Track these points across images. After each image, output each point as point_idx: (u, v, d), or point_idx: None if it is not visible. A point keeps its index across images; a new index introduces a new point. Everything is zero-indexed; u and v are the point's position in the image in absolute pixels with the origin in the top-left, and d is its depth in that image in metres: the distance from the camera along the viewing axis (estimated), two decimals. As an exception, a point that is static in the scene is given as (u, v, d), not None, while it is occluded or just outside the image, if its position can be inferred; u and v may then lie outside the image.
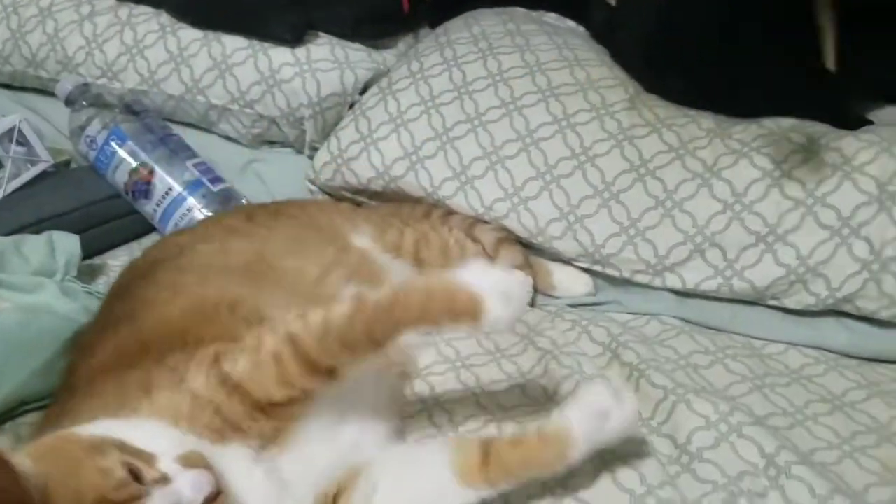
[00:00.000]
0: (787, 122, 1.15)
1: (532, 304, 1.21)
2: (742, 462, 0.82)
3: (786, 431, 0.87)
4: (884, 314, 1.01)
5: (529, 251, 1.23)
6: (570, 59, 1.29)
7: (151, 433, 0.69)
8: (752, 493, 0.79)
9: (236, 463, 0.71)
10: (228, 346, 0.75)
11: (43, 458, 0.64)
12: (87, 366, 0.85)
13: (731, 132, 1.14)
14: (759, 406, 0.91)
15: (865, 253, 1.01)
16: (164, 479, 0.64)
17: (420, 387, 1.01)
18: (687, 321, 1.10)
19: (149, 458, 0.65)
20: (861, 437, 0.86)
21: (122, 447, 0.65)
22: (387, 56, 1.44)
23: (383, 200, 1.31)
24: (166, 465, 0.65)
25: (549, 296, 1.22)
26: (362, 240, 1.13)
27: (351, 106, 1.37)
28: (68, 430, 0.69)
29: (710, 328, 1.09)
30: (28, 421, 0.93)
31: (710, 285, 1.09)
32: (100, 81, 1.44)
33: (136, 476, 0.63)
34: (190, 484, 0.63)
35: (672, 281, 1.11)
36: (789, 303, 1.06)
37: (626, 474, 0.81)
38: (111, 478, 0.61)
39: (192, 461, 0.66)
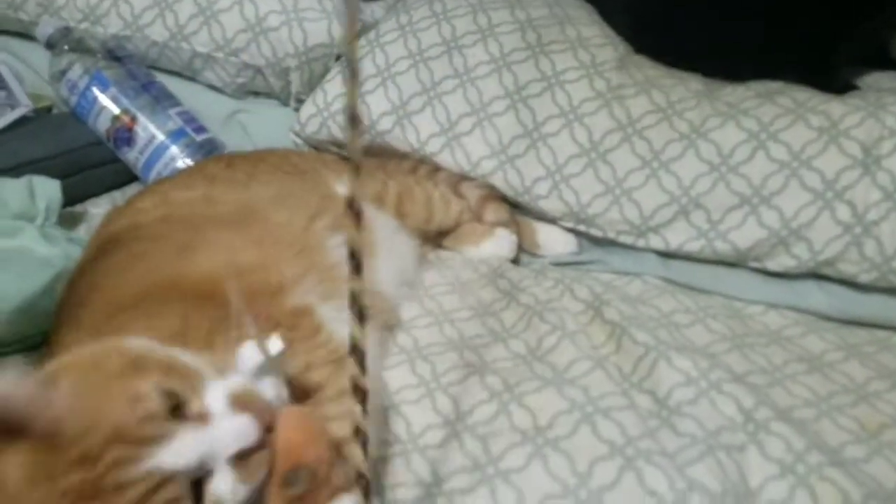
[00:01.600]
0: (774, 86, 1.15)
1: (516, 261, 1.21)
2: (721, 417, 0.83)
3: (765, 389, 0.88)
4: (864, 278, 1.02)
5: (514, 210, 1.23)
6: (560, 16, 1.28)
7: (205, 362, 0.62)
8: (731, 446, 0.80)
9: None
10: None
11: (71, 371, 0.57)
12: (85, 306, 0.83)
13: (720, 94, 1.14)
14: (739, 364, 0.92)
15: (848, 216, 1.01)
16: (202, 417, 0.56)
17: (403, 339, 1.01)
18: (670, 281, 1.11)
19: (196, 384, 0.58)
20: (838, 397, 0.87)
21: (170, 367, 0.58)
22: (375, 8, 1.42)
23: (370, 156, 1.30)
24: (213, 398, 0.57)
25: (534, 254, 1.22)
26: (345, 189, 1.12)
27: (338, 58, 1.35)
28: (115, 341, 0.63)
29: (692, 288, 1.10)
30: (9, 362, 0.92)
31: (693, 247, 1.09)
32: (82, 25, 1.41)
33: (175, 406, 0.55)
34: (232, 431, 0.55)
35: (656, 242, 1.12)
36: (771, 265, 1.06)
37: (606, 426, 0.82)
38: (140, 407, 0.54)
39: (244, 401, 0.58)
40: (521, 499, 0.76)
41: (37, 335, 0.94)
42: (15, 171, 1.22)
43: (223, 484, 0.55)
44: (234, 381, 0.60)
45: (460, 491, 0.78)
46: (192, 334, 0.71)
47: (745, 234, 1.06)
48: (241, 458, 0.56)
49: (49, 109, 1.45)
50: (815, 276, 1.06)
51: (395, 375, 0.94)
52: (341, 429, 0.67)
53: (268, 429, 0.58)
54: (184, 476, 0.54)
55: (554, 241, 1.21)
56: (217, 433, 0.55)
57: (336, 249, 0.99)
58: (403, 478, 0.80)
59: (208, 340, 0.71)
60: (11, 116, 1.35)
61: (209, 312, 0.73)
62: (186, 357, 0.62)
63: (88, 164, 1.33)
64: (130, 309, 0.80)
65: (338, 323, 0.86)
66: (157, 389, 0.55)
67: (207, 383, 0.58)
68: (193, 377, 0.58)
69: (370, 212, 1.12)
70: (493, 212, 1.22)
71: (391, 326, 1.02)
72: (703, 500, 0.73)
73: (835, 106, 1.08)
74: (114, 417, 0.53)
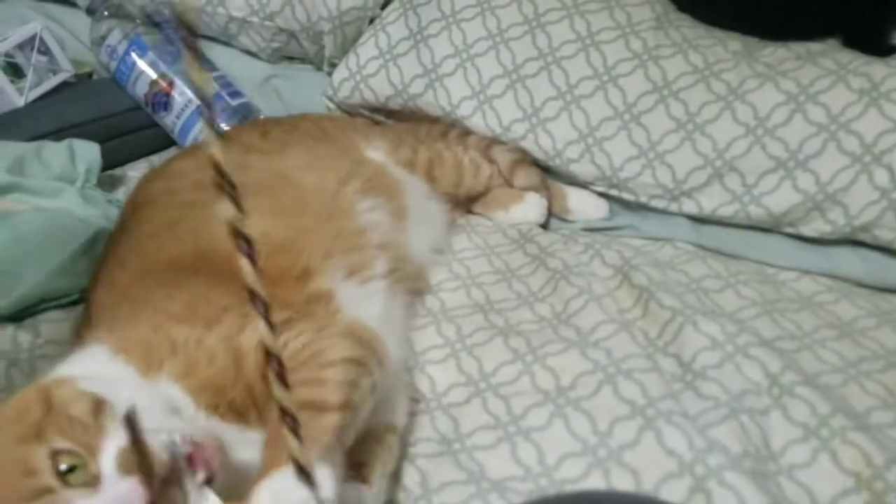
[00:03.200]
0: (815, 47, 1.12)
1: (546, 226, 1.21)
2: (746, 381, 0.82)
3: (792, 354, 0.87)
4: (901, 244, 0.99)
5: (546, 174, 1.22)
6: (597, -23, 1.25)
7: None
8: (754, 410, 0.79)
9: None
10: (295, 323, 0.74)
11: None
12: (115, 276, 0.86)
13: (759, 55, 1.11)
14: (768, 329, 0.91)
15: (886, 181, 0.99)
16: (94, 481, 0.56)
17: (430, 301, 1.02)
18: (701, 247, 1.10)
19: (95, 443, 0.58)
20: (868, 363, 0.86)
21: (72, 425, 0.58)
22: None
23: (401, 119, 1.30)
24: (106, 460, 0.57)
25: (564, 220, 1.21)
26: (376, 154, 1.13)
27: (371, 21, 1.35)
28: (62, 376, 0.65)
29: (723, 254, 1.08)
30: (47, 318, 0.95)
31: (726, 211, 1.07)
32: (121, -9, 1.43)
33: (73, 468, 0.56)
34: (118, 498, 0.55)
35: (689, 206, 1.10)
36: (805, 230, 1.04)
37: (627, 387, 0.82)
38: (31, 481, 0.55)
39: (129, 463, 0.57)
40: (541, 456, 0.77)
41: (75, 292, 0.98)
42: (57, 134, 1.25)
43: None
44: (122, 440, 0.58)
45: (482, 447, 0.79)
46: (202, 310, 0.74)
47: (779, 199, 1.04)
48: None
49: (90, 75, 1.48)
50: (851, 242, 1.03)
51: (421, 336, 0.95)
52: (333, 394, 0.68)
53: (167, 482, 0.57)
54: None
55: (585, 205, 1.20)
56: (104, 500, 0.56)
57: (366, 214, 1.00)
58: (427, 433, 0.81)
59: (218, 318, 0.73)
60: (54, 81, 1.38)
61: (232, 290, 0.74)
62: (105, 399, 0.62)
63: (127, 129, 1.36)
64: (158, 274, 0.82)
65: (360, 301, 0.88)
66: (51, 458, 0.56)
67: (106, 442, 0.58)
68: (94, 435, 0.58)
69: (402, 176, 1.13)
70: (524, 176, 1.21)
71: (420, 291, 1.03)
72: (722, 461, 0.73)
73: (877, 68, 1.05)
74: (7, 492, 0.55)
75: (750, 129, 1.06)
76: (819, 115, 1.03)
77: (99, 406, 0.61)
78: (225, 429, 0.68)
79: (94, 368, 0.67)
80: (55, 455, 0.57)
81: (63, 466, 0.56)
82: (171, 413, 0.66)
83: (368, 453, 0.76)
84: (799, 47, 1.12)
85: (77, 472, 0.56)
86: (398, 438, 0.81)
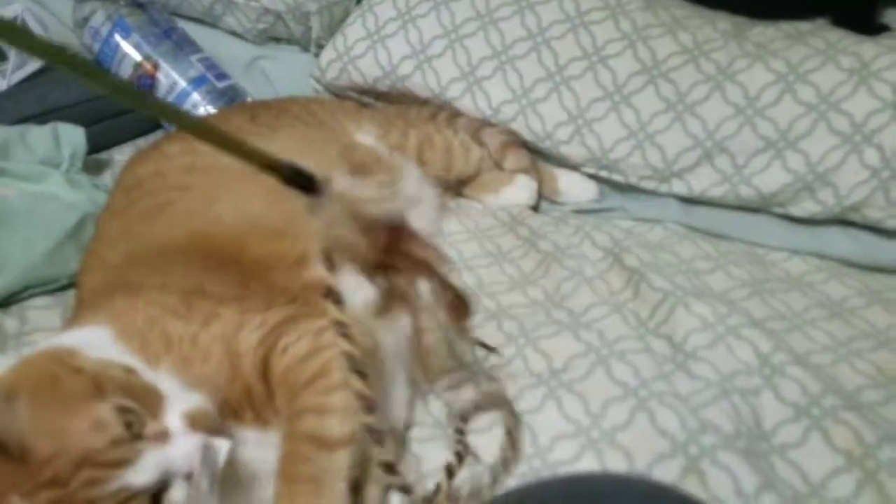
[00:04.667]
0: (805, 26, 1.11)
1: (536, 209, 1.20)
2: (737, 361, 0.83)
3: (783, 334, 0.87)
4: (890, 223, 1.00)
5: (536, 157, 1.22)
6: (586, -43, 1.25)
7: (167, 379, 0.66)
8: (745, 390, 0.80)
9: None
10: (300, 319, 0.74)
11: (29, 387, 0.59)
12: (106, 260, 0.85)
13: (748, 35, 1.11)
14: (758, 310, 0.91)
15: (876, 160, 0.99)
16: (162, 436, 0.59)
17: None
18: (691, 228, 1.10)
19: (154, 403, 0.61)
20: (858, 342, 0.87)
21: (128, 384, 0.61)
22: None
23: (390, 101, 1.29)
24: (172, 417, 0.60)
25: (555, 202, 1.21)
26: (366, 138, 1.12)
27: (359, 1, 1.33)
28: (67, 346, 0.65)
29: (713, 235, 1.09)
30: (33, 304, 0.94)
31: (716, 192, 1.07)
32: (104, -28, 1.41)
33: (129, 424, 0.58)
34: (188, 450, 0.58)
35: (679, 187, 1.10)
36: (795, 210, 1.04)
37: (620, 368, 0.82)
38: (105, 432, 0.57)
39: (198, 421, 0.61)
40: (534, 437, 0.77)
41: (62, 278, 0.97)
42: (41, 117, 1.23)
43: (178, 494, 0.58)
44: (192, 400, 0.63)
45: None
46: (198, 304, 0.73)
47: (769, 179, 1.04)
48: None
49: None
50: (840, 221, 1.04)
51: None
52: (340, 426, 0.69)
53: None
54: (146, 490, 0.57)
55: (575, 187, 1.20)
56: (175, 452, 0.58)
57: None
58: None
59: (214, 312, 0.72)
60: (37, 64, 1.36)
61: (228, 277, 0.74)
62: (145, 373, 0.64)
63: (113, 112, 1.34)
64: (151, 259, 0.81)
65: (356, 290, 0.87)
66: (117, 413, 0.58)
67: (166, 401, 0.61)
68: (151, 396, 0.61)
69: (398, 160, 1.12)
70: (514, 159, 1.21)
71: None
72: (714, 441, 0.73)
73: (867, 47, 1.05)
74: (81, 443, 0.56)
75: (740, 110, 1.05)
76: (809, 95, 1.03)
77: (131, 371, 0.63)
78: None
79: (101, 348, 0.66)
80: (120, 410, 0.58)
81: (127, 420, 0.58)
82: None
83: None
84: (788, 26, 1.12)
85: (137, 428, 0.59)
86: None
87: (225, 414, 0.69)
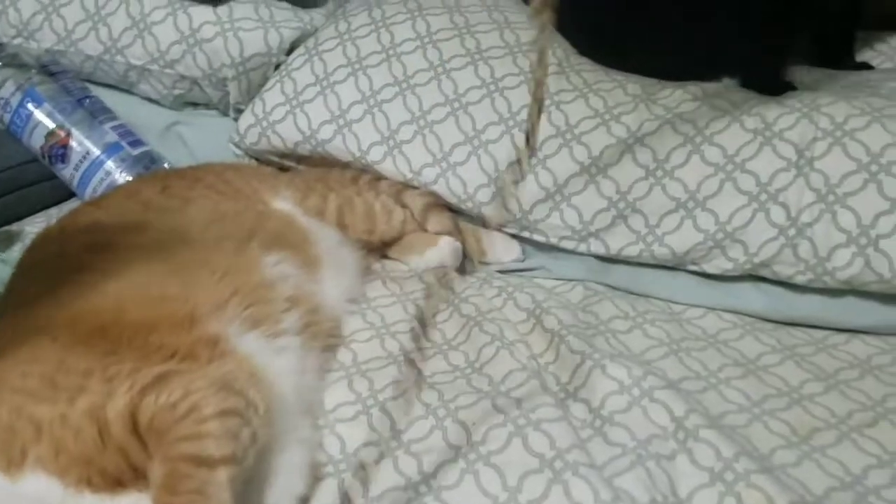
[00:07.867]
0: (711, 88, 1.15)
1: (462, 270, 1.20)
2: (652, 425, 0.83)
3: (697, 395, 0.88)
4: (800, 279, 1.02)
5: (459, 217, 1.22)
6: (499, 21, 1.27)
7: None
8: (660, 455, 0.80)
9: None
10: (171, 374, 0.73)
11: None
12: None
13: (657, 98, 1.14)
14: (674, 370, 0.92)
15: (782, 219, 1.02)
16: None
17: (343, 354, 1.00)
18: (610, 286, 1.11)
19: None
20: (772, 401, 0.88)
21: None
22: (314, 15, 1.40)
23: (311, 165, 1.29)
24: None
25: (480, 262, 1.21)
26: (284, 204, 1.11)
27: (277, 67, 1.33)
28: None
29: (632, 293, 1.10)
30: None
31: (632, 251, 1.09)
32: (15, 41, 1.38)
33: None
34: None
35: (596, 246, 1.12)
36: (708, 268, 1.07)
37: (537, 438, 0.82)
38: None
39: None
40: (452, 516, 0.75)
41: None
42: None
43: None
44: None
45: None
46: (62, 381, 0.70)
47: (681, 238, 1.06)
48: None
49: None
50: (753, 277, 1.06)
51: (331, 393, 0.93)
52: (218, 448, 0.68)
53: None
54: None
55: (498, 248, 1.20)
56: None
57: (272, 267, 0.97)
58: (332, 499, 0.79)
59: (81, 386, 0.70)
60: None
61: (92, 348, 0.72)
62: None
63: (24, 183, 1.31)
64: (16, 347, 0.78)
65: (264, 353, 0.85)
66: None
67: None
68: None
69: (312, 225, 1.11)
70: (437, 221, 1.21)
71: (333, 346, 1.00)
72: (629, 512, 0.73)
73: (770, 108, 1.08)
74: None
75: (650, 171, 1.08)
76: (716, 156, 1.06)
77: None
78: (97, 500, 0.66)
79: None
80: None
81: None
82: None
83: None
84: (695, 88, 1.16)
85: None
86: None
87: (107, 484, 0.67)
